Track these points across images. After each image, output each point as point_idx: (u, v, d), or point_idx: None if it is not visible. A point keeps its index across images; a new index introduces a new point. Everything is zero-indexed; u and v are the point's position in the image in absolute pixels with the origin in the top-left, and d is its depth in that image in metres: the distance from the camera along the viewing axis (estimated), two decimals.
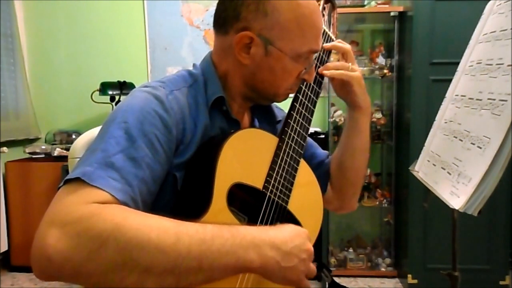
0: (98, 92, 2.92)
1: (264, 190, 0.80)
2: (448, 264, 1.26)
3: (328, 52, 0.95)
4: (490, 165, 0.85)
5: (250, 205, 0.80)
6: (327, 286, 0.86)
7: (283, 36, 0.78)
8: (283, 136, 0.84)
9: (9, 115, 2.99)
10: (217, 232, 0.60)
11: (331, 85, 0.98)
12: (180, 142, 0.75)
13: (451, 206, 0.91)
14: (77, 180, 0.61)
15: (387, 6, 2.78)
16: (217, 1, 0.83)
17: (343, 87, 0.95)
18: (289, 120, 0.86)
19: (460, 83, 1.16)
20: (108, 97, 2.89)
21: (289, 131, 0.85)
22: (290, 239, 0.66)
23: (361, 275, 2.78)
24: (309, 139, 1.00)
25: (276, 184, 0.81)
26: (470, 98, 1.06)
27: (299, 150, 0.86)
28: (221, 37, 0.83)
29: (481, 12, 1.15)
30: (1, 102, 2.90)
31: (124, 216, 0.57)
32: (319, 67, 0.92)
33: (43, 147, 3.02)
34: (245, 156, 0.78)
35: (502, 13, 1.03)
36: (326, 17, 0.97)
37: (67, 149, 2.77)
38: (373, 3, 2.78)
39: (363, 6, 2.77)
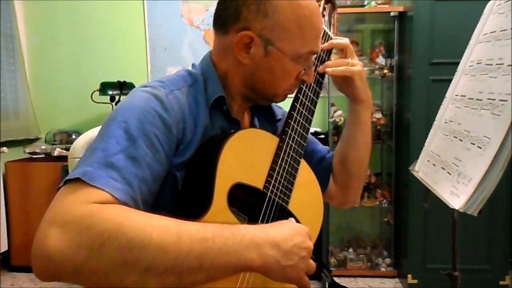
0: (98, 92, 2.91)
1: (264, 190, 0.80)
2: (448, 264, 1.26)
3: (329, 52, 0.95)
4: (490, 165, 0.85)
5: (251, 205, 0.80)
6: (327, 286, 0.86)
7: (284, 36, 0.78)
8: (283, 136, 0.84)
9: (9, 115, 2.98)
10: (218, 231, 0.60)
11: (332, 80, 0.98)
12: (180, 141, 0.75)
13: (451, 206, 0.91)
14: (77, 180, 0.60)
15: (387, 6, 2.78)
16: (217, 1, 0.83)
17: (344, 82, 0.95)
18: (289, 120, 0.86)
19: (460, 83, 1.16)
20: (108, 97, 2.89)
21: (289, 131, 0.85)
22: (290, 238, 0.66)
23: (361, 275, 2.78)
24: (309, 136, 1.00)
25: (276, 184, 0.81)
26: (470, 98, 1.06)
27: (300, 150, 0.86)
28: (221, 37, 0.83)
29: (481, 12, 1.15)
30: (1, 102, 2.90)
31: (125, 216, 0.57)
32: (319, 66, 0.92)
33: (43, 147, 3.02)
34: (245, 156, 0.78)
35: (502, 13, 1.03)
36: (326, 17, 0.97)
37: (67, 149, 2.77)
38: (373, 3, 2.78)
39: (363, 6, 2.77)
